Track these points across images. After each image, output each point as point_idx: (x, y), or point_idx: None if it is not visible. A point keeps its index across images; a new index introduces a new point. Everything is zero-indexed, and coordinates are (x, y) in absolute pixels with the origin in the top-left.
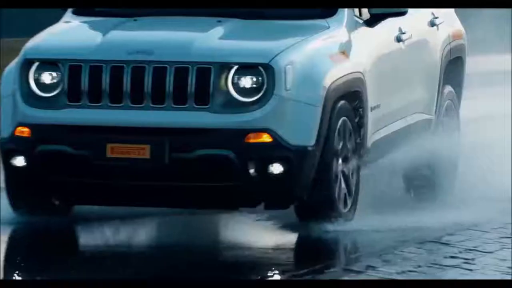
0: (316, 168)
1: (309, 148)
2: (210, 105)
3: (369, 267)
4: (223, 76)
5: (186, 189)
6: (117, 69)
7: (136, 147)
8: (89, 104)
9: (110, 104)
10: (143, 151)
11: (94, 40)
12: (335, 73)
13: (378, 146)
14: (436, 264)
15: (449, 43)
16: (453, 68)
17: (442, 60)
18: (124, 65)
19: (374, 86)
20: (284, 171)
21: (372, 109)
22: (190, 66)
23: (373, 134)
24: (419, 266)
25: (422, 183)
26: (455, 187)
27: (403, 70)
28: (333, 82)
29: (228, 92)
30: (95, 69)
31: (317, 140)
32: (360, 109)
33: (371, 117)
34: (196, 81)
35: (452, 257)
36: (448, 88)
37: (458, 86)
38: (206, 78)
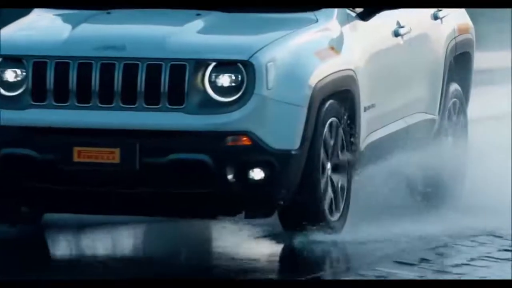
0: (301, 173)
1: (293, 152)
2: (185, 105)
3: (423, 260)
4: (199, 74)
5: (158, 196)
6: (85, 66)
7: (104, 150)
8: (55, 104)
9: (77, 104)
10: (112, 155)
11: (62, 34)
12: (322, 71)
13: (373, 149)
14: (489, 257)
15: (454, 37)
16: (459, 64)
17: (446, 56)
18: (93, 61)
19: (368, 84)
20: (266, 177)
21: (365, 109)
22: (163, 63)
23: (368, 136)
24: (472, 259)
25: (425, 188)
26: (463, 192)
27: (401, 67)
28: (320, 80)
29: (204, 91)
30: (62, 66)
31: (302, 144)
32: (351, 109)
33: (364, 118)
34: (170, 79)
35: (505, 250)
36: (454, 86)
37: (465, 84)
38: (180, 76)
